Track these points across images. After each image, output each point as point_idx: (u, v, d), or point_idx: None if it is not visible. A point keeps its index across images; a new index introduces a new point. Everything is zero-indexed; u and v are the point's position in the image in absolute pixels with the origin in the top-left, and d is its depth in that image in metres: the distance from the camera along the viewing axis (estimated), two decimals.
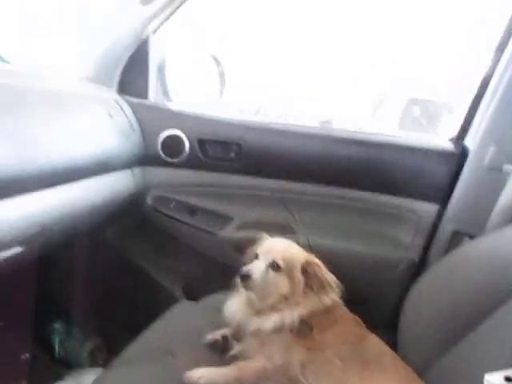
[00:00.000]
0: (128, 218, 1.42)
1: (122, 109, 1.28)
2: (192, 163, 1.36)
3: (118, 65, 1.33)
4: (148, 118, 1.35)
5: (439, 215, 1.22)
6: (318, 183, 1.30)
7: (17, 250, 0.92)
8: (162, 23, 1.28)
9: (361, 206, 1.28)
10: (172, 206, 1.39)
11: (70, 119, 1.05)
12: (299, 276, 0.90)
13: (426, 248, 1.23)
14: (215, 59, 1.61)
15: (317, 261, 0.93)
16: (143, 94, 1.39)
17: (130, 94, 1.37)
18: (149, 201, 1.39)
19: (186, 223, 1.38)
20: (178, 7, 1.24)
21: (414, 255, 1.24)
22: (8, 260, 0.90)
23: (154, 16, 1.24)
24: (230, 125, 1.36)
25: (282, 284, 0.89)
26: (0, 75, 0.96)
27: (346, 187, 1.28)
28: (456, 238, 1.15)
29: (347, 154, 1.28)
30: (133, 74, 1.36)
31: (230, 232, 1.34)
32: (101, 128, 1.16)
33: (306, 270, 0.90)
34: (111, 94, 1.31)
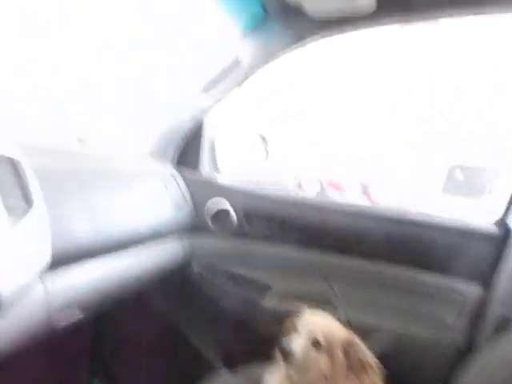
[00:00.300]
0: (174, 283, 1.49)
1: (177, 182, 1.42)
2: (237, 234, 1.45)
3: (175, 142, 1.49)
4: (199, 190, 1.48)
5: (484, 297, 1.20)
6: (359, 258, 1.33)
7: (76, 313, 1.01)
8: (216, 105, 1.44)
9: (402, 283, 1.28)
10: (216, 273, 1.46)
11: (133, 193, 1.19)
12: (340, 355, 0.91)
13: (471, 331, 1.19)
14: (262, 138, 1.76)
15: (357, 340, 0.94)
16: (196, 168, 1.53)
17: (185, 167, 1.51)
18: (195, 267, 1.47)
19: (228, 291, 1.43)
20: (232, 92, 1.40)
21: (458, 338, 1.20)
22: (66, 322, 0.99)
23: (212, 102, 1.40)
24: (274, 199, 1.45)
25: (322, 362, 0.91)
26: (79, 157, 1.12)
27: (387, 263, 1.30)
28: (503, 322, 1.12)
29: (388, 230, 1.31)
30: (188, 150, 1.52)
31: (270, 302, 1.37)
32: (158, 200, 1.29)
33: (346, 349, 0.92)
34: (168, 169, 1.45)
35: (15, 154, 0.84)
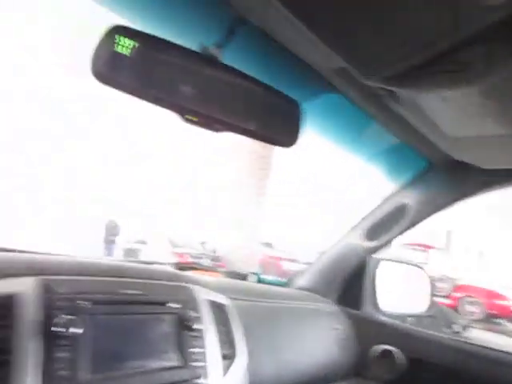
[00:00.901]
0: None
1: (341, 321, 1.45)
2: (403, 381, 1.35)
3: (338, 280, 1.56)
4: (362, 330, 1.47)
5: None
6: None
7: None
8: (380, 248, 1.50)
9: None
10: None
11: (304, 332, 1.26)
12: None
13: None
14: (424, 271, 1.71)
15: None
16: (357, 306, 1.54)
17: (346, 305, 1.54)
18: None
19: None
20: (397, 238, 1.44)
21: None
22: None
23: (377, 244, 1.47)
24: (446, 345, 1.34)
25: None
26: (257, 292, 1.27)
27: None
28: None
29: None
30: (349, 287, 1.56)
31: None
32: (325, 341, 1.33)
33: None
34: (332, 306, 1.50)
35: (222, 298, 1.02)
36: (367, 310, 1.54)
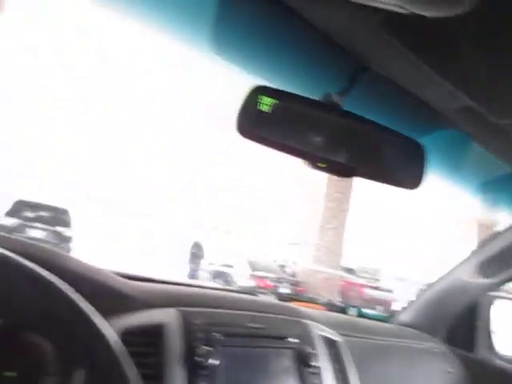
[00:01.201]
0: None
1: (453, 363, 1.35)
2: None
3: (446, 317, 1.46)
4: (478, 375, 1.35)
5: None
6: None
7: None
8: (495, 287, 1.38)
9: None
10: None
11: (415, 374, 1.21)
12: None
13: None
14: None
15: None
16: (469, 347, 1.42)
17: (455, 346, 1.43)
18: None
19: None
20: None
21: None
22: None
23: (492, 282, 1.36)
24: None
25: None
26: (366, 332, 1.24)
27: None
28: None
29: None
30: (459, 326, 1.45)
31: None
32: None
33: None
34: (441, 346, 1.41)
35: (334, 334, 1.02)
36: (481, 352, 1.42)
